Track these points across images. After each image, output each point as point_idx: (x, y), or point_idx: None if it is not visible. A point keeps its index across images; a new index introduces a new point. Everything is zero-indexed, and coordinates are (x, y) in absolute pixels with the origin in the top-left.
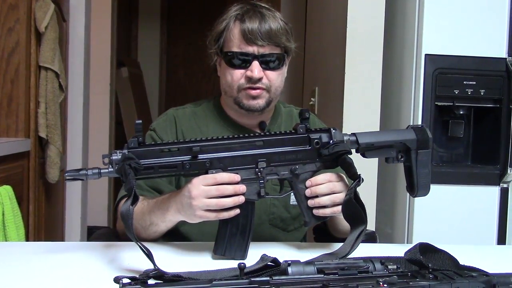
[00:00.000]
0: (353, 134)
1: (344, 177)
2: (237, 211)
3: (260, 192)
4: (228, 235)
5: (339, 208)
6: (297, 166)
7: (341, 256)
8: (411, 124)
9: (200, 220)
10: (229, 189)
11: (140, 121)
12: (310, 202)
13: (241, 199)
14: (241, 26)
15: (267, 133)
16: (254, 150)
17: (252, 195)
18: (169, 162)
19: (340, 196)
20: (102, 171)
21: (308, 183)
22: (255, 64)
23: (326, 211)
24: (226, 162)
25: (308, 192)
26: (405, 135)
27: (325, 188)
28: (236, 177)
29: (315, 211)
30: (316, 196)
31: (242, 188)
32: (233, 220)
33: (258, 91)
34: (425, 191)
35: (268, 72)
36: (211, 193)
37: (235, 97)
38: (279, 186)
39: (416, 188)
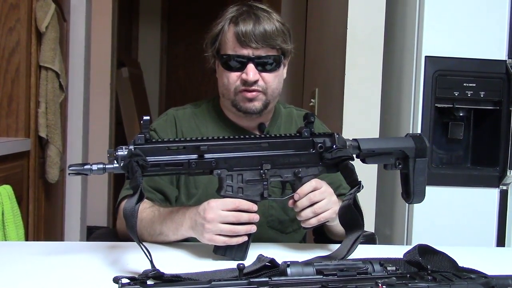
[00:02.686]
0: (355, 140)
1: (324, 182)
2: (245, 238)
3: (263, 194)
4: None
5: (325, 215)
6: (300, 169)
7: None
8: (410, 132)
9: (207, 243)
10: (245, 216)
11: (148, 118)
12: (298, 217)
13: (253, 228)
14: (235, 29)
15: (273, 135)
16: (259, 151)
17: (255, 196)
18: (175, 160)
19: (321, 205)
20: (107, 166)
21: (296, 196)
22: (250, 67)
23: (312, 222)
24: (232, 162)
25: (296, 208)
26: (404, 143)
27: (306, 201)
28: (254, 207)
29: (302, 224)
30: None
31: (256, 217)
32: None
33: (253, 93)
34: (421, 198)
35: (264, 74)
36: (228, 219)
37: (232, 100)
38: (281, 189)
39: (412, 195)
